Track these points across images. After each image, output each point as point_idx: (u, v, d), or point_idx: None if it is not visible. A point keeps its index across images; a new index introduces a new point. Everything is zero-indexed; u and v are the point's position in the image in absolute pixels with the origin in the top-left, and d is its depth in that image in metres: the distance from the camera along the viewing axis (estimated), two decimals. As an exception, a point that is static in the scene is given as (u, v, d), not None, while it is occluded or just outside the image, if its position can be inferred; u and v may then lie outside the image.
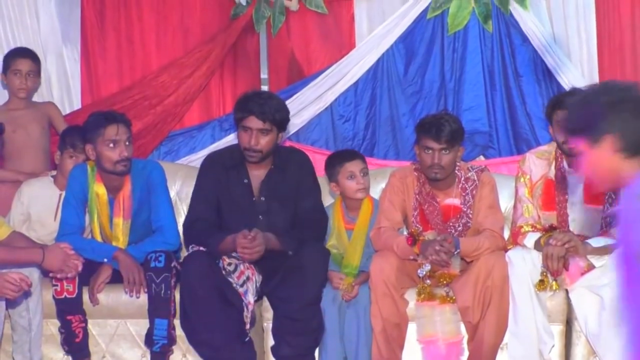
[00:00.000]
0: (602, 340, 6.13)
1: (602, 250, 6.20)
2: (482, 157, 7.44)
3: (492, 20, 7.75)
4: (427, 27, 7.87)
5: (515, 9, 7.69)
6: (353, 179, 6.74)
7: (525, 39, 7.74)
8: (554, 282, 6.18)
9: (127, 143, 6.67)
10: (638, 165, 3.58)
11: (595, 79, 7.55)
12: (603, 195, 6.34)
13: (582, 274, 6.16)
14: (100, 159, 6.68)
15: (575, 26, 7.78)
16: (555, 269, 6.15)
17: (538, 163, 6.50)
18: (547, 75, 7.66)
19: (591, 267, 6.16)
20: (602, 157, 3.60)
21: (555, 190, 6.45)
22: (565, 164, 6.45)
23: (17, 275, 6.01)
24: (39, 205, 7.04)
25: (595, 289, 6.09)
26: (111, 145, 6.64)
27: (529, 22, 7.70)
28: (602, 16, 7.78)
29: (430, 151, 6.41)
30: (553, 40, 7.71)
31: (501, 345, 6.28)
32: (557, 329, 6.30)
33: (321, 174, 6.96)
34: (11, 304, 6.28)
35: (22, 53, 7.52)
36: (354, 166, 6.76)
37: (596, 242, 6.27)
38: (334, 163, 6.80)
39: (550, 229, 6.30)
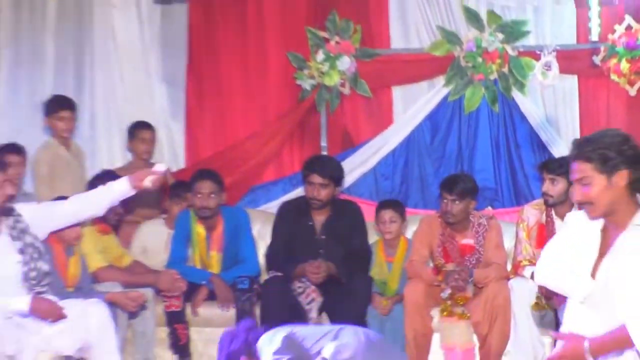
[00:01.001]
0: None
1: None
2: (490, 208, 7.41)
3: (498, 103, 7.72)
4: (448, 108, 7.85)
5: (516, 94, 7.65)
6: (392, 224, 6.78)
7: (524, 118, 7.70)
8: (545, 304, 6.15)
9: (212, 195, 6.73)
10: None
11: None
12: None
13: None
14: (193, 205, 6.76)
15: (563, 109, 7.77)
16: (548, 295, 6.13)
17: (533, 213, 6.46)
18: (540, 146, 7.61)
19: (575, 292, 6.14)
20: (612, 188, 3.49)
21: (546, 232, 6.39)
22: (553, 212, 6.40)
23: (136, 294, 6.07)
24: (153, 241, 7.08)
25: (580, 308, 6.07)
26: (199, 195, 6.72)
27: (527, 105, 7.68)
28: (583, 101, 7.75)
29: (445, 200, 6.45)
30: (546, 119, 7.67)
31: (505, 352, 6.25)
32: (548, 340, 6.23)
33: (370, 219, 6.95)
34: (132, 315, 6.28)
35: (144, 125, 7.57)
36: (392, 214, 6.79)
37: None
38: (379, 211, 6.84)
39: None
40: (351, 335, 4.90)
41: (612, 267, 3.51)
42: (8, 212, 5.51)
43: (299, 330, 4.99)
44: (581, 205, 3.62)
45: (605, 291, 3.52)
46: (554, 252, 3.75)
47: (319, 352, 4.78)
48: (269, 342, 4.76)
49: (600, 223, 3.62)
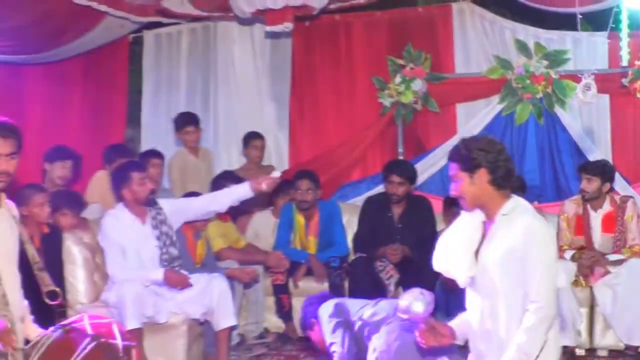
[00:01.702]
0: (615, 319, 5.95)
1: (616, 262, 6.04)
2: (536, 202, 7.23)
3: (543, 117, 7.57)
4: (502, 120, 7.71)
5: (558, 110, 7.50)
6: (454, 217, 6.64)
7: (564, 129, 7.53)
8: (583, 282, 6.03)
9: (309, 191, 6.71)
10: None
11: (610, 156, 7.34)
12: (614, 226, 6.18)
13: (602, 276, 6.00)
14: (294, 199, 6.76)
15: (597, 122, 7.63)
16: (585, 274, 6.00)
17: (571, 206, 6.33)
18: (578, 152, 7.43)
19: (607, 272, 5.99)
20: (475, 184, 3.42)
21: (582, 222, 6.27)
22: (588, 206, 6.26)
23: (250, 270, 6.13)
24: (263, 227, 7.07)
25: (611, 286, 5.92)
26: (299, 191, 6.72)
27: (567, 118, 7.52)
28: (614, 116, 7.62)
29: None
30: (582, 130, 7.52)
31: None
32: (584, 311, 6.09)
33: (437, 211, 6.87)
34: (246, 286, 6.33)
35: (256, 135, 7.58)
36: (457, 208, 6.65)
37: (612, 257, 6.11)
38: (445, 206, 6.73)
39: (581, 248, 6.14)
40: (387, 303, 4.90)
41: (485, 254, 3.44)
42: (152, 203, 5.60)
43: (347, 300, 5.11)
44: (459, 199, 3.55)
45: (483, 275, 3.45)
46: (445, 243, 3.68)
47: (361, 317, 4.84)
48: (326, 308, 4.88)
49: (482, 215, 3.52)
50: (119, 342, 3.35)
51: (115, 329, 3.41)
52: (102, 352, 3.26)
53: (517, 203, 3.45)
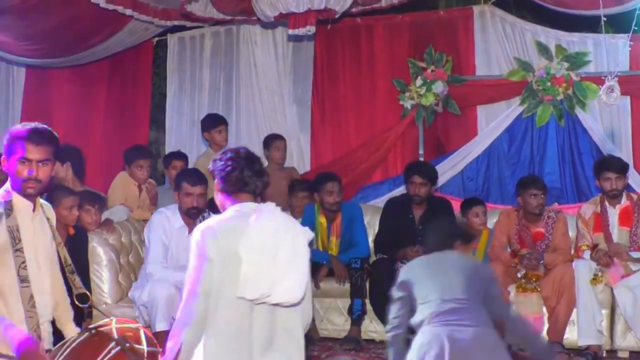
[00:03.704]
0: (635, 321, 5.91)
1: (636, 260, 6.00)
2: (556, 204, 7.20)
3: (564, 119, 7.53)
4: (522, 122, 7.68)
5: (579, 111, 7.47)
6: (477, 217, 6.62)
7: (584, 130, 7.50)
8: (602, 278, 6.00)
9: (339, 193, 6.68)
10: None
11: (630, 158, 7.29)
12: (631, 220, 6.14)
13: (622, 277, 5.97)
14: (322, 201, 6.72)
15: (617, 124, 7.56)
16: (604, 264, 5.99)
17: (589, 208, 6.30)
18: (599, 154, 7.34)
19: (629, 272, 5.96)
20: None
21: (601, 219, 6.23)
22: (606, 203, 6.24)
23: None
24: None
25: (631, 288, 5.89)
26: (329, 193, 6.67)
27: (588, 120, 7.48)
28: (635, 118, 7.55)
29: (534, 197, 6.26)
30: (602, 131, 7.47)
31: (571, 320, 6.06)
32: (605, 312, 6.04)
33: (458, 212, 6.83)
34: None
35: (278, 136, 7.54)
36: (477, 209, 6.63)
37: (634, 254, 6.08)
38: (466, 206, 6.68)
39: (594, 247, 6.15)
40: None
41: None
42: (195, 216, 5.55)
43: None
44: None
45: None
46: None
47: None
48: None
49: None
50: (144, 347, 3.34)
51: (142, 333, 3.40)
52: (126, 357, 3.25)
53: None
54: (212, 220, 3.36)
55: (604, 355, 5.95)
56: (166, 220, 5.49)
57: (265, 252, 3.21)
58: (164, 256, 5.46)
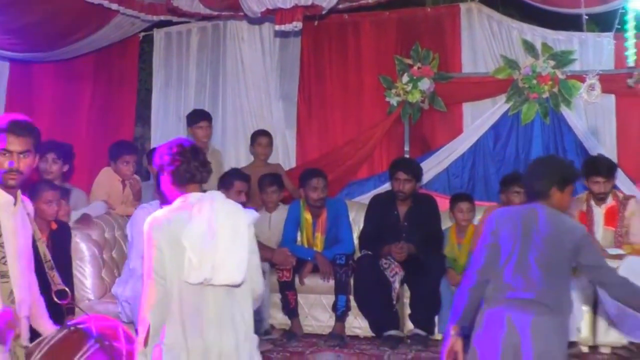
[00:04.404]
0: (617, 316, 5.92)
1: (616, 257, 5.98)
2: (541, 201, 7.20)
3: (549, 116, 7.56)
4: (508, 120, 7.70)
5: (564, 109, 7.49)
6: (461, 213, 6.63)
7: (570, 128, 7.52)
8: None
9: (324, 189, 6.68)
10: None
11: (615, 156, 7.29)
12: (616, 220, 6.15)
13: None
14: (307, 197, 6.71)
15: (602, 122, 7.57)
16: None
17: (575, 205, 6.29)
18: (583, 152, 7.39)
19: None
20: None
21: (587, 217, 6.24)
22: (592, 202, 6.25)
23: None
24: (261, 226, 6.92)
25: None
26: (314, 189, 6.66)
27: (573, 118, 7.50)
28: (619, 116, 7.55)
29: (517, 194, 6.26)
30: (587, 129, 7.49)
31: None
32: (586, 308, 6.05)
33: (443, 209, 6.85)
34: (253, 283, 6.27)
35: (264, 133, 7.54)
36: (463, 205, 6.65)
37: (612, 251, 6.08)
38: (453, 202, 6.71)
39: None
40: None
41: None
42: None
43: None
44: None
45: None
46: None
47: None
48: None
49: None
50: (122, 345, 3.34)
51: (121, 331, 3.40)
52: (105, 354, 3.25)
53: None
54: (160, 211, 3.57)
55: (584, 351, 5.93)
56: (149, 215, 5.44)
57: (205, 239, 3.46)
58: (148, 252, 5.43)
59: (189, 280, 3.44)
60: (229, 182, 6.25)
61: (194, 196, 3.58)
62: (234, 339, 3.55)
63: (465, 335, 3.87)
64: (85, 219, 5.90)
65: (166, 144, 3.76)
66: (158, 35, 8.44)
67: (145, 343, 3.38)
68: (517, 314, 3.65)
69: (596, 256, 3.87)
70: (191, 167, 3.60)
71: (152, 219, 3.52)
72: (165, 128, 8.29)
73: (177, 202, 3.59)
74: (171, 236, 3.46)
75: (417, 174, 6.71)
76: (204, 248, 3.46)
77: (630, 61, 7.11)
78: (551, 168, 3.95)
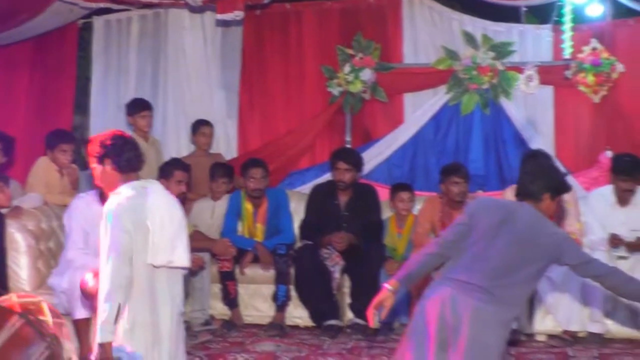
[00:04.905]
0: (553, 305, 6.03)
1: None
2: (480, 191, 7.29)
3: (488, 107, 7.64)
4: (448, 110, 7.76)
5: (503, 100, 7.58)
6: (402, 203, 6.69)
7: (509, 119, 7.61)
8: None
9: (262, 180, 6.69)
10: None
11: (552, 146, 7.42)
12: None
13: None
14: (246, 187, 6.71)
15: (541, 113, 7.65)
16: None
17: (511, 194, 6.34)
18: (522, 142, 7.49)
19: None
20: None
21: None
22: None
23: (196, 257, 6.00)
24: (203, 214, 6.98)
25: (550, 277, 5.92)
26: (252, 179, 6.68)
27: (512, 109, 7.59)
28: (557, 107, 7.64)
29: (456, 185, 6.33)
30: (526, 120, 7.58)
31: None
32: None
33: (384, 199, 6.89)
34: (192, 274, 6.26)
35: (205, 122, 7.50)
36: (403, 195, 6.71)
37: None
38: (394, 191, 6.75)
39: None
40: None
41: None
42: None
43: None
44: None
45: None
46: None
47: None
48: None
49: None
50: (49, 318, 3.37)
51: (45, 306, 3.43)
52: (30, 329, 3.26)
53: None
54: (120, 197, 3.79)
55: (520, 339, 6.01)
56: (86, 205, 5.40)
57: (166, 224, 3.82)
58: (85, 242, 5.37)
59: (154, 262, 3.79)
60: (169, 171, 6.23)
61: (139, 184, 3.88)
62: (177, 315, 3.95)
63: None
64: (16, 211, 5.81)
65: (105, 134, 3.96)
66: (97, 23, 8.32)
67: (116, 321, 3.68)
68: (463, 297, 3.66)
69: (581, 253, 3.92)
70: (133, 156, 3.89)
71: (117, 205, 3.75)
72: (105, 117, 8.19)
73: (128, 189, 3.83)
74: (137, 220, 3.76)
75: (357, 163, 6.75)
76: (169, 232, 3.82)
77: (567, 53, 7.25)
78: (550, 175, 4.00)
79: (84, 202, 5.46)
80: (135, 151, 3.93)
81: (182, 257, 3.88)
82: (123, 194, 3.80)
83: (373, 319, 3.81)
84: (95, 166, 3.94)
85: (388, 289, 3.78)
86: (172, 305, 3.93)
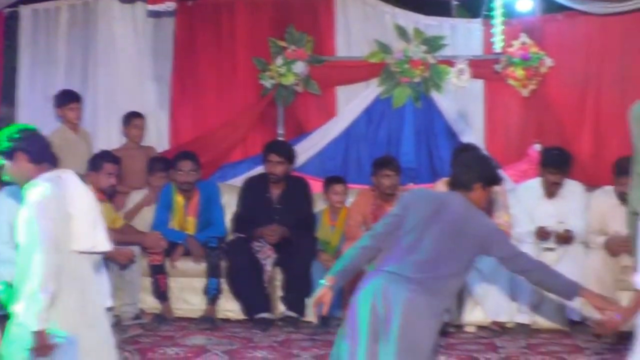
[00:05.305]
0: (482, 296, 6.11)
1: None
2: (412, 184, 7.35)
3: (420, 100, 7.69)
4: (380, 103, 7.79)
5: (435, 93, 7.64)
6: (336, 195, 6.71)
7: (440, 112, 7.67)
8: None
9: (191, 172, 6.65)
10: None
11: (482, 139, 7.52)
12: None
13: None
14: (176, 179, 6.67)
15: (472, 106, 7.73)
16: None
17: (442, 188, 6.41)
18: (453, 135, 7.58)
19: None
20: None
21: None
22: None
23: (126, 250, 6.01)
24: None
25: (479, 269, 5.99)
26: (181, 172, 6.65)
27: (443, 102, 7.66)
28: (487, 100, 7.73)
29: (387, 177, 6.36)
30: (457, 114, 7.65)
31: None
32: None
33: (316, 192, 6.93)
34: (122, 267, 6.21)
35: (136, 114, 7.44)
36: (337, 187, 6.73)
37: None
38: (327, 184, 6.76)
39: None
40: None
41: None
42: None
43: None
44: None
45: None
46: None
47: None
48: None
49: None
50: None
51: None
52: None
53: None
54: (40, 188, 3.78)
55: (449, 330, 6.07)
56: (12, 198, 5.30)
57: (85, 210, 3.88)
58: (10, 236, 5.27)
59: (79, 247, 3.84)
60: (98, 164, 6.18)
61: (54, 173, 3.89)
62: (100, 300, 4.10)
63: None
64: None
65: (8, 129, 3.99)
66: (24, 12, 8.13)
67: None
68: (395, 288, 3.68)
69: (510, 247, 3.98)
70: (43, 146, 3.96)
71: (40, 195, 3.75)
72: (33, 109, 8.00)
73: (45, 179, 3.82)
74: (61, 208, 3.78)
75: (289, 156, 6.76)
76: (89, 218, 3.89)
77: (497, 47, 7.34)
78: (483, 165, 4.08)
79: (9, 194, 5.36)
80: (44, 141, 3.99)
81: (103, 242, 3.97)
82: (41, 184, 3.80)
83: (315, 315, 3.85)
84: (6, 162, 3.93)
85: (326, 286, 3.80)
86: (97, 289, 4.08)
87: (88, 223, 3.89)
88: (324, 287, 3.80)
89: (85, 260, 3.92)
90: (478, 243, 3.82)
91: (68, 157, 6.66)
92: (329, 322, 6.15)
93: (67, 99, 7.03)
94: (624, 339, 4.83)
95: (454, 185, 4.01)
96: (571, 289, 3.92)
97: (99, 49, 8.11)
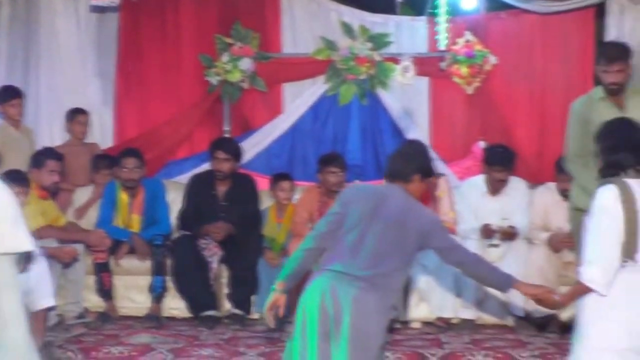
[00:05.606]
0: (427, 292, 6.16)
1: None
2: (357, 181, 7.37)
3: (366, 97, 7.73)
4: (326, 100, 7.81)
5: (380, 90, 7.69)
6: (283, 192, 6.70)
7: (386, 110, 7.72)
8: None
9: (135, 169, 6.61)
10: None
11: (427, 136, 7.59)
12: (429, 200, 6.37)
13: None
14: (119, 177, 6.61)
15: (417, 103, 7.79)
16: None
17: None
18: (398, 132, 7.62)
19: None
20: None
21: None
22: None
23: (69, 249, 5.95)
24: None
25: (424, 265, 6.05)
26: (125, 170, 6.62)
27: (389, 99, 7.71)
28: (432, 97, 7.80)
29: (333, 174, 6.38)
30: (402, 111, 7.70)
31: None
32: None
33: (263, 188, 6.93)
34: (65, 265, 6.13)
35: (80, 110, 7.36)
36: (284, 184, 6.72)
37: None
38: (274, 181, 6.76)
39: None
40: None
41: None
42: None
43: None
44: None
45: None
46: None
47: None
48: None
49: None
50: None
51: None
52: None
53: None
54: None
55: (395, 326, 6.08)
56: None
57: (7, 209, 3.69)
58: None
59: (6, 250, 3.66)
60: (41, 161, 6.11)
61: None
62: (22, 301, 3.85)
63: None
64: None
65: None
66: (-37, 5, 8.01)
67: None
68: (342, 286, 3.68)
69: (448, 238, 3.97)
70: None
71: None
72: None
73: None
74: None
75: (236, 153, 6.73)
76: (10, 217, 3.67)
77: (442, 45, 7.40)
78: (421, 156, 4.05)
79: None
80: None
81: (26, 241, 3.77)
82: None
83: (270, 320, 3.84)
84: None
85: (277, 291, 3.81)
86: (18, 289, 3.83)
87: (9, 223, 3.69)
88: (275, 293, 3.81)
89: (5, 261, 3.72)
90: (419, 234, 3.82)
91: (10, 155, 6.66)
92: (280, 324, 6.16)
93: (9, 95, 6.93)
94: (566, 334, 4.91)
95: (392, 176, 4.00)
96: (506, 281, 3.94)
97: (42, 44, 8.00)
